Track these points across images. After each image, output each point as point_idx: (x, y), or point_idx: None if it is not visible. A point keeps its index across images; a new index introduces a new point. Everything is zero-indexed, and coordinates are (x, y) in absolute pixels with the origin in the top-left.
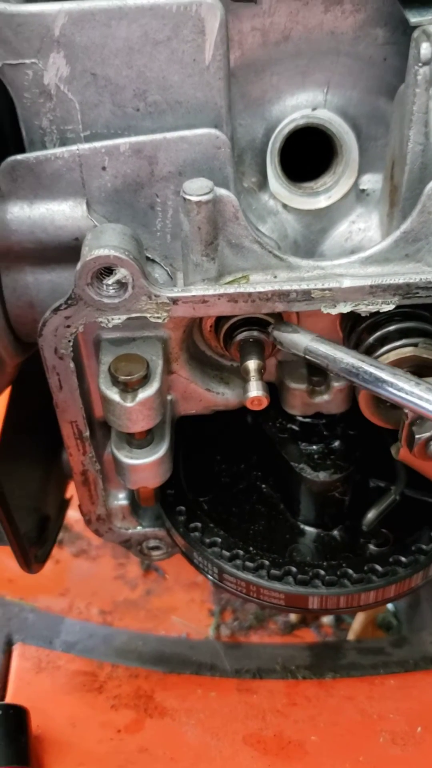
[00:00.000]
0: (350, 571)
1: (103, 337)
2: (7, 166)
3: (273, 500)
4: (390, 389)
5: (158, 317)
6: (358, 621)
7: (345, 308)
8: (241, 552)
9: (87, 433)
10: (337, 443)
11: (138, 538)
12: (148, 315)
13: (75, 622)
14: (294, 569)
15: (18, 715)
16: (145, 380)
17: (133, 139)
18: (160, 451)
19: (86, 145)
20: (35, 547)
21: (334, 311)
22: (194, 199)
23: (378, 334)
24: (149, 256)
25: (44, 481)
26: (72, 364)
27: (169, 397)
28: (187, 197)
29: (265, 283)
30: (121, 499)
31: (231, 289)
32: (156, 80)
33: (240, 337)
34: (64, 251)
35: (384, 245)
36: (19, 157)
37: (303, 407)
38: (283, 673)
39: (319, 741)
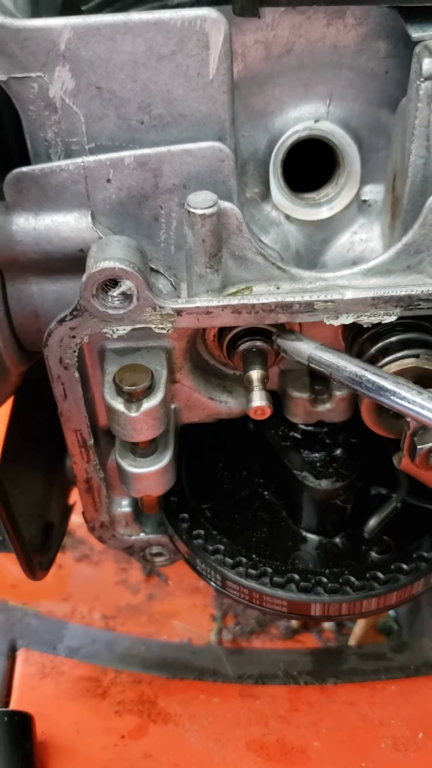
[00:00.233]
0: (352, 579)
1: (108, 347)
2: (12, 178)
3: (275, 507)
4: (393, 398)
5: (162, 328)
6: (360, 626)
7: (347, 320)
8: (243, 559)
9: (91, 442)
10: (339, 451)
11: (141, 545)
12: (152, 326)
13: (78, 627)
14: (296, 576)
15: (23, 722)
16: (149, 390)
17: (138, 151)
18: (164, 459)
19: (91, 158)
20: (39, 554)
21: (336, 322)
22: (198, 212)
23: (380, 344)
24: (153, 267)
25: (48, 488)
26: (77, 374)
27: (172, 406)
28: (192, 210)
29: (268, 295)
30: (124, 506)
31: (234, 301)
32: (160, 94)
33: (243, 346)
34: (69, 262)
35: (386, 257)
36: (24, 169)
37: (305, 416)
38: (285, 678)
39: (322, 747)
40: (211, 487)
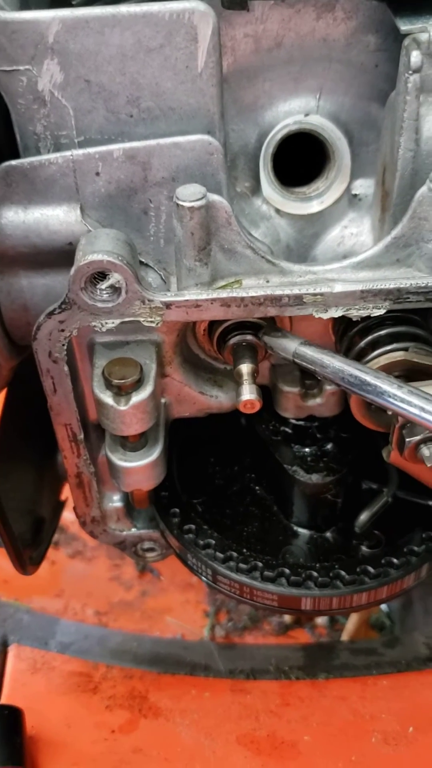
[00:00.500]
0: (343, 573)
1: (97, 340)
2: (1, 172)
3: (266, 502)
4: (375, 393)
5: (152, 321)
6: (352, 621)
7: (336, 313)
8: (234, 554)
9: (81, 436)
10: (329, 446)
11: (132, 540)
12: (141, 319)
13: (70, 623)
14: (287, 571)
15: (13, 716)
16: (138, 384)
17: (127, 144)
18: (154, 454)
19: (80, 151)
20: (30, 548)
21: (325, 316)
22: (187, 204)
23: (369, 338)
24: (143, 260)
25: (39, 483)
26: (66, 368)
27: (162, 400)
28: (180, 203)
29: (257, 288)
30: (115, 501)
31: (224, 294)
32: (149, 87)
33: (233, 340)
34: (58, 256)
35: (375, 250)
36: (13, 162)
37: (296, 410)
38: (277, 673)
39: (312, 741)
40: (202, 482)
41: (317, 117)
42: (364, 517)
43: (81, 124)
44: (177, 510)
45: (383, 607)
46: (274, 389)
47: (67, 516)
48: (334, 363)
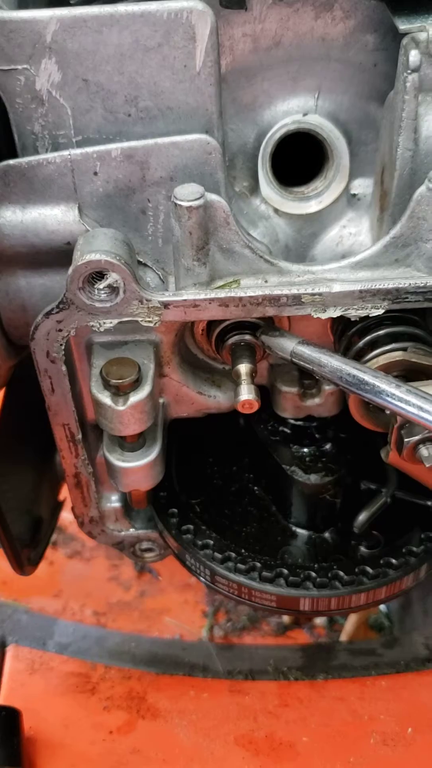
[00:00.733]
0: (341, 573)
1: (95, 340)
2: None
3: (265, 502)
4: (373, 392)
5: (150, 321)
6: (351, 622)
7: (335, 313)
8: (233, 554)
9: (79, 436)
10: (328, 446)
11: (131, 540)
12: (139, 319)
13: (68, 624)
14: (285, 571)
15: (10, 717)
16: (136, 384)
17: (125, 144)
18: (152, 454)
19: (78, 151)
20: (28, 549)
21: (324, 316)
22: (185, 204)
23: (368, 338)
24: (141, 260)
25: (37, 483)
26: (64, 368)
27: (161, 401)
28: (178, 202)
29: (255, 288)
30: (113, 502)
31: (222, 294)
32: (147, 86)
33: (231, 340)
34: (56, 255)
35: (374, 250)
36: (11, 162)
37: (294, 410)
38: (275, 674)
39: (311, 742)
40: (200, 482)
41: (316, 116)
42: (362, 517)
43: (79, 123)
44: (175, 510)
45: (382, 607)
46: (272, 389)
47: (66, 516)
48: (332, 362)
